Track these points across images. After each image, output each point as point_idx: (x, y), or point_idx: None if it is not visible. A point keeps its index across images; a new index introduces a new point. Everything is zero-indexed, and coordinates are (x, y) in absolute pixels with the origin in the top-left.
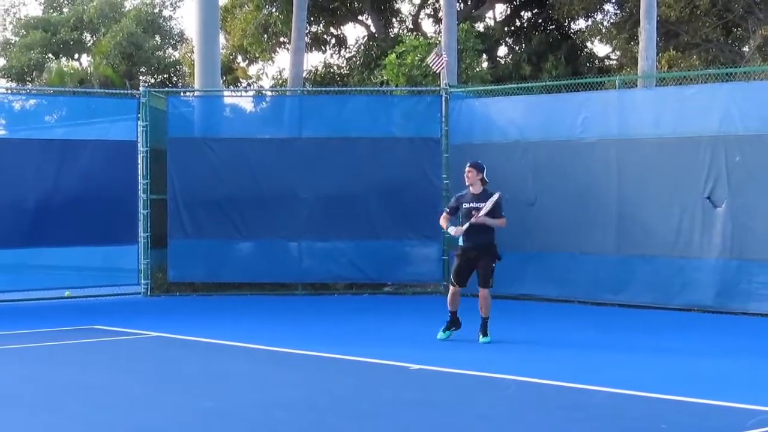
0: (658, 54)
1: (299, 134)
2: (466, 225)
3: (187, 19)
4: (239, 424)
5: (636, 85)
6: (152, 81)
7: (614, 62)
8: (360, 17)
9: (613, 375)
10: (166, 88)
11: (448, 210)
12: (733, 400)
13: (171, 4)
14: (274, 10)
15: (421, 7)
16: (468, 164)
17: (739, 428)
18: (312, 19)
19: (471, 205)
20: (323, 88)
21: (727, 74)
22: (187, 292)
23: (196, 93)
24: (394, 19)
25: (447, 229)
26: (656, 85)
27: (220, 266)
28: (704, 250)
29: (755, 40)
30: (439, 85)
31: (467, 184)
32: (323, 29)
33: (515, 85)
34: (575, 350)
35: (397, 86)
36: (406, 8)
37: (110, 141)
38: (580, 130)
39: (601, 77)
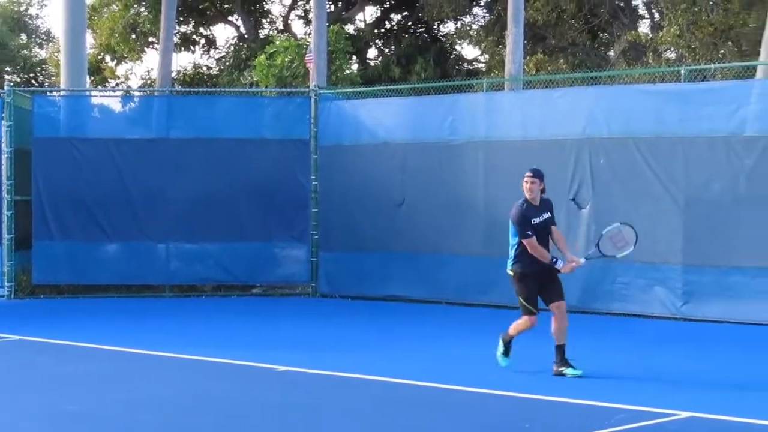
0: (525, 57)
1: (167, 135)
2: (583, 260)
3: (53, 17)
4: (103, 427)
5: (503, 88)
6: (17, 80)
7: (482, 65)
8: (230, 18)
9: (478, 375)
10: (32, 88)
11: (530, 233)
12: (596, 399)
13: (38, 2)
14: (142, 9)
15: (291, 8)
16: (529, 172)
17: (599, 427)
18: (181, 19)
19: (544, 217)
20: (192, 89)
21: (592, 78)
22: (52, 294)
23: (62, 92)
24: (264, 20)
25: (552, 261)
26: (523, 88)
27: (86, 268)
28: (569, 251)
29: (620, 44)
30: (309, 87)
31: (529, 197)
32: (192, 29)
33: (384, 87)
34: (441, 351)
35: (266, 87)
36: (276, 9)
37: None
38: (449, 132)
39: (469, 80)
